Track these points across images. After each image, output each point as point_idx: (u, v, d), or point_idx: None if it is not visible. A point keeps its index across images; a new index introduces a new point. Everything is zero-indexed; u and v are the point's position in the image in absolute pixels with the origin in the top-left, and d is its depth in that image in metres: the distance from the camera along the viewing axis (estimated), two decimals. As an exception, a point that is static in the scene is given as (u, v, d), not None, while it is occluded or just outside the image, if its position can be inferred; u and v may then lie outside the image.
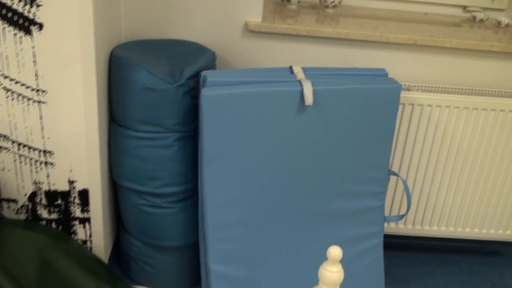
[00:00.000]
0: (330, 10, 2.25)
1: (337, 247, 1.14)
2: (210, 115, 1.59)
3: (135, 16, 1.91)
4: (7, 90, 1.59)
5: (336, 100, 1.68)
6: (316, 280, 1.82)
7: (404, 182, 1.86)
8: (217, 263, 1.72)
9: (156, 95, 1.64)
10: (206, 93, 1.57)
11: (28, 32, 1.52)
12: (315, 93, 1.65)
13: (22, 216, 1.79)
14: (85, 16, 1.51)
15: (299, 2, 2.30)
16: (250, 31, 1.92)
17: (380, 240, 1.90)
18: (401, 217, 1.90)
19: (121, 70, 1.66)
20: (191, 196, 1.82)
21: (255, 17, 1.90)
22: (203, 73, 1.65)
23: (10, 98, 1.60)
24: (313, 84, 1.65)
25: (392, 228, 2.18)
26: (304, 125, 1.68)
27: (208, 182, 1.66)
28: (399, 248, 2.34)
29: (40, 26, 1.51)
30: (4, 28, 1.51)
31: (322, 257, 1.83)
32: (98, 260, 1.72)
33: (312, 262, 1.83)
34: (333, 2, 2.21)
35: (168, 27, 1.94)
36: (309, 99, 1.64)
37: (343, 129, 1.72)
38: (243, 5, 1.89)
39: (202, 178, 1.66)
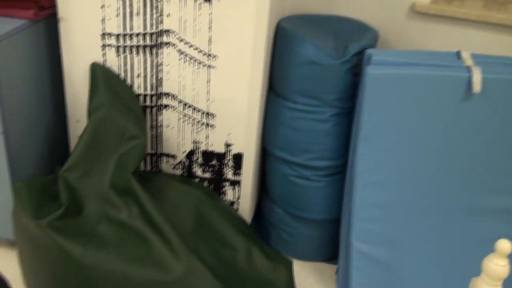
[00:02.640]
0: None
1: (506, 241, 1.10)
2: (372, 94, 1.58)
3: (300, -10, 1.94)
4: (181, 52, 1.69)
5: (506, 90, 1.60)
6: (457, 274, 1.77)
7: None
8: (360, 242, 1.73)
9: (320, 69, 1.66)
10: (371, 71, 1.57)
11: (207, -1, 1.60)
12: (484, 81, 1.58)
13: (178, 172, 1.91)
14: (262, -14, 1.56)
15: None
16: (416, 12, 1.88)
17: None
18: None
19: (286, 42, 1.70)
20: (339, 172, 1.84)
21: (423, -2, 1.86)
22: (368, 51, 1.65)
23: (183, 60, 1.71)
24: (482, 72, 1.59)
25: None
26: (467, 113, 1.62)
27: (360, 160, 1.66)
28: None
29: (220, -6, 1.58)
30: (186, -6, 1.60)
31: (466, 253, 1.77)
32: (245, 222, 1.80)
33: (454, 256, 1.78)
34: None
35: (331, 3, 1.94)
36: (477, 86, 1.57)
37: (507, 121, 1.64)
38: (411, -15, 1.85)
39: (355, 156, 1.67)
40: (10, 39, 1.63)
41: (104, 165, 1.61)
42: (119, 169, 1.59)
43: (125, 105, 1.71)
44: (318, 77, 1.67)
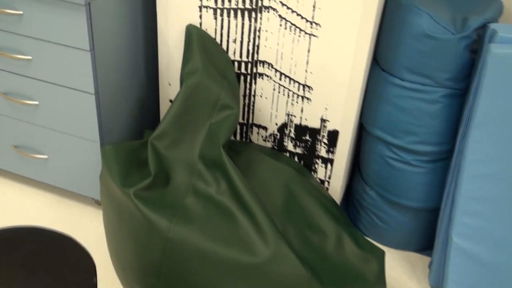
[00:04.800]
0: None
1: None
2: (495, 75, 1.40)
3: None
4: (282, 18, 1.57)
5: None
6: None
7: None
8: (460, 237, 1.58)
9: (435, 44, 1.49)
10: (495, 50, 1.38)
11: (315, -40, 1.46)
12: None
13: (269, 144, 1.82)
14: None
15: None
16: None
17: None
18: None
19: (399, 12, 1.54)
20: (444, 158, 1.67)
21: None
22: (492, 25, 1.45)
23: (283, 27, 1.59)
24: None
25: None
26: None
27: (471, 148, 1.49)
28: None
29: (329, -45, 1.44)
30: (292, -46, 1.47)
31: None
32: (335, 203, 1.68)
33: None
34: None
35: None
36: None
37: None
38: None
39: (465, 143, 1.50)
40: (107, -3, 1.57)
41: (194, 134, 1.54)
42: (209, 140, 1.51)
43: (219, 71, 1.62)
44: (432, 52, 1.50)
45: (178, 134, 1.53)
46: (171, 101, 1.85)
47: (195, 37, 1.63)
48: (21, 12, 1.58)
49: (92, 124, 1.71)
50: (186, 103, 1.53)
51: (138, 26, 1.77)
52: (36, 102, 1.74)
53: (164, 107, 1.88)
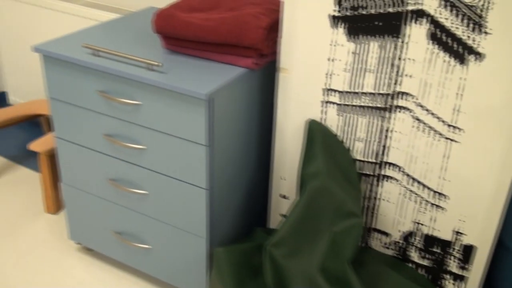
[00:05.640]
0: None
1: None
2: None
3: None
4: (416, 119, 1.42)
5: None
6: None
7: None
8: None
9: None
10: None
11: (462, 61, 1.31)
12: None
13: (390, 252, 1.64)
14: (540, 52, 1.23)
15: None
16: None
17: None
18: None
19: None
20: None
21: None
22: None
23: (416, 128, 1.43)
24: None
25: None
26: None
27: None
28: None
29: (480, 57, 1.28)
30: (436, 54, 1.33)
31: None
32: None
33: None
34: None
35: None
36: None
37: None
38: None
39: None
40: (228, 88, 1.49)
41: (315, 243, 1.39)
42: (332, 251, 1.36)
43: (343, 173, 1.48)
44: None
45: (297, 242, 1.39)
46: (283, 196, 1.72)
47: (317, 134, 1.51)
48: (140, 103, 1.53)
49: (201, 219, 1.60)
50: (307, 208, 1.40)
51: (254, 119, 1.68)
52: (145, 192, 1.67)
53: (274, 201, 1.75)
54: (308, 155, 1.50)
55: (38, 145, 2.11)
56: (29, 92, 2.71)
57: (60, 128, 1.74)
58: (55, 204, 2.21)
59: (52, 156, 2.13)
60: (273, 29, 1.57)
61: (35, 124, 2.90)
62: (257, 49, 1.53)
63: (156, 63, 1.48)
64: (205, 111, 1.43)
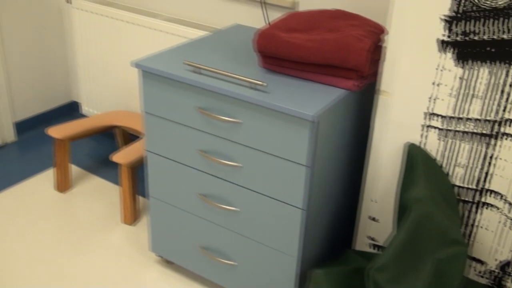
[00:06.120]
0: None
1: None
2: None
3: None
4: (525, 147, 1.40)
5: None
6: None
7: None
8: None
9: None
10: None
11: None
12: None
13: (483, 281, 1.61)
14: None
15: None
16: None
17: None
18: None
19: None
20: None
21: None
22: None
23: (524, 157, 1.41)
24: None
25: None
26: None
27: None
28: None
29: None
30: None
31: None
32: None
33: None
34: None
35: None
36: None
37: None
38: None
39: None
40: (331, 110, 1.50)
41: (418, 270, 1.37)
42: (436, 279, 1.34)
43: (444, 198, 1.46)
44: None
45: (400, 267, 1.38)
46: (372, 218, 1.71)
47: (418, 158, 1.50)
48: (240, 121, 1.54)
49: (293, 238, 1.60)
50: (412, 233, 1.38)
51: (348, 140, 1.68)
52: (237, 209, 1.68)
53: (362, 223, 1.74)
54: (409, 179, 1.48)
55: (121, 157, 2.14)
56: (101, 103, 2.77)
57: (151, 142, 1.77)
58: (133, 215, 2.24)
59: (133, 168, 2.16)
60: (374, 51, 1.57)
61: (106, 135, 2.95)
62: (359, 71, 1.53)
63: (260, 83, 1.49)
64: (309, 132, 1.44)
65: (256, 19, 2.19)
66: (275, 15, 2.13)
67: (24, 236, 2.17)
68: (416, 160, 1.50)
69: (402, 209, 1.46)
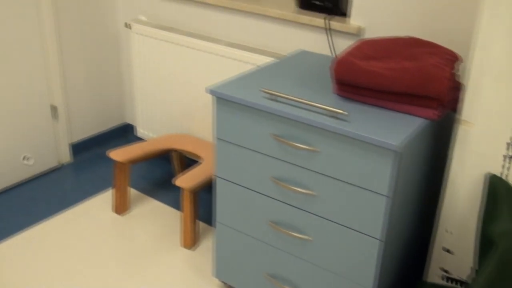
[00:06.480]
0: None
1: None
2: None
3: None
4: None
5: None
6: None
7: None
8: None
9: None
10: None
11: None
12: None
13: None
14: None
15: None
16: None
17: None
18: None
19: None
20: None
21: None
22: None
23: None
24: None
25: None
26: None
27: None
28: None
29: None
30: None
31: None
32: None
33: None
34: None
35: None
36: None
37: None
38: None
39: None
40: (414, 140, 1.48)
41: (508, 306, 1.33)
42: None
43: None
44: None
45: (488, 304, 1.34)
46: (447, 250, 1.67)
47: (502, 190, 1.46)
48: (317, 149, 1.53)
49: (369, 269, 1.57)
50: (500, 269, 1.34)
51: (428, 169, 1.66)
52: (310, 237, 1.66)
53: (435, 254, 1.70)
54: (492, 212, 1.45)
55: (183, 181, 2.15)
56: (156, 126, 2.79)
57: (222, 168, 1.77)
58: (193, 239, 2.24)
59: (195, 193, 2.17)
60: (452, 79, 1.55)
61: (161, 158, 2.97)
62: (439, 100, 1.51)
63: (341, 112, 1.48)
64: (392, 162, 1.42)
65: (320, 45, 2.19)
66: (339, 41, 2.13)
67: (83, 257, 2.18)
68: (499, 192, 1.47)
69: (486, 242, 1.43)
